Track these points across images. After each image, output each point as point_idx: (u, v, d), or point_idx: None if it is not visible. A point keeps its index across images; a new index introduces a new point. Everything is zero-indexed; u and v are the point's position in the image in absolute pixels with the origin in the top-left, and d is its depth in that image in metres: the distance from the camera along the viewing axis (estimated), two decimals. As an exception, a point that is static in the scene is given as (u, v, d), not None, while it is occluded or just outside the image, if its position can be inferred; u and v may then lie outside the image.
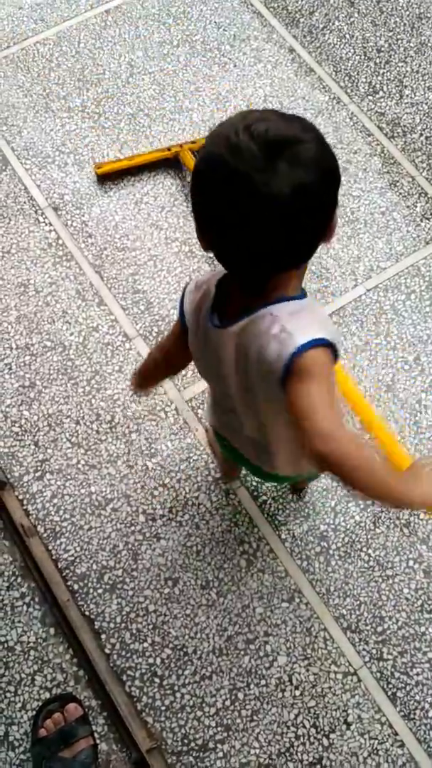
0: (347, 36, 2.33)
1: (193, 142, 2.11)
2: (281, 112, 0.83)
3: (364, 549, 1.69)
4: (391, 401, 1.83)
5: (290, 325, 0.87)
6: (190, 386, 1.84)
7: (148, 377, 1.36)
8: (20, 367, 1.87)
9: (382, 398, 1.84)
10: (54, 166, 2.12)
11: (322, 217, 0.83)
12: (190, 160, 2.05)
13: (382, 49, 2.31)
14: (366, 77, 2.27)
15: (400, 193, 2.10)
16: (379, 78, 2.27)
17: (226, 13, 2.35)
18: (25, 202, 2.07)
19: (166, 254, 2.01)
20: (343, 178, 2.07)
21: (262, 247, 0.82)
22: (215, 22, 2.34)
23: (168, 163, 2.10)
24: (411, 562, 1.67)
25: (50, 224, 2.04)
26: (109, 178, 2.10)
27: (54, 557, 1.66)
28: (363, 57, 2.30)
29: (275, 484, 1.71)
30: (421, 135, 2.19)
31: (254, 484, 1.74)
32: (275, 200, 0.77)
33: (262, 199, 0.77)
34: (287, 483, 1.69)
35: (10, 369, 1.87)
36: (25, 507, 1.71)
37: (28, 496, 1.72)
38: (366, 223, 2.05)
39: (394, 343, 1.91)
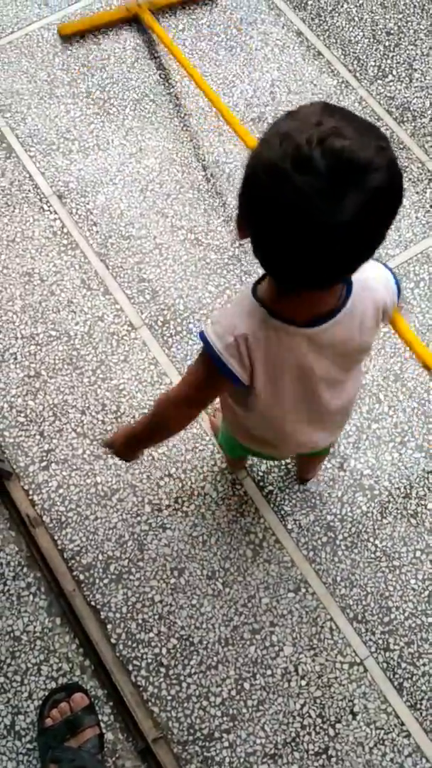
0: (356, 19, 2.29)
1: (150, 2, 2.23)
2: (357, 119, 0.77)
3: (371, 539, 1.68)
4: (399, 391, 1.81)
5: (372, 271, 0.98)
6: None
7: (149, 440, 1.25)
8: (25, 356, 1.86)
9: (390, 387, 1.82)
10: (59, 153, 2.10)
11: (379, 241, 0.81)
12: (152, 21, 2.18)
13: (392, 31, 2.27)
14: (375, 61, 2.23)
15: (410, 179, 2.07)
16: (389, 61, 2.23)
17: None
18: (29, 190, 2.05)
19: (171, 242, 1.99)
20: (351, 164, 2.06)
21: (311, 266, 0.80)
22: (221, 5, 2.30)
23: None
24: (418, 553, 1.66)
25: (55, 212, 2.03)
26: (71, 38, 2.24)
27: (60, 547, 1.66)
28: (372, 40, 2.26)
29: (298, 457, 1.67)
30: (431, 120, 2.15)
31: (261, 474, 1.73)
32: (335, 231, 0.74)
33: (321, 227, 0.74)
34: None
35: (15, 359, 1.86)
36: (30, 497, 1.71)
37: (33, 486, 1.72)
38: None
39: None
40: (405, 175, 2.04)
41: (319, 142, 0.72)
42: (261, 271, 0.92)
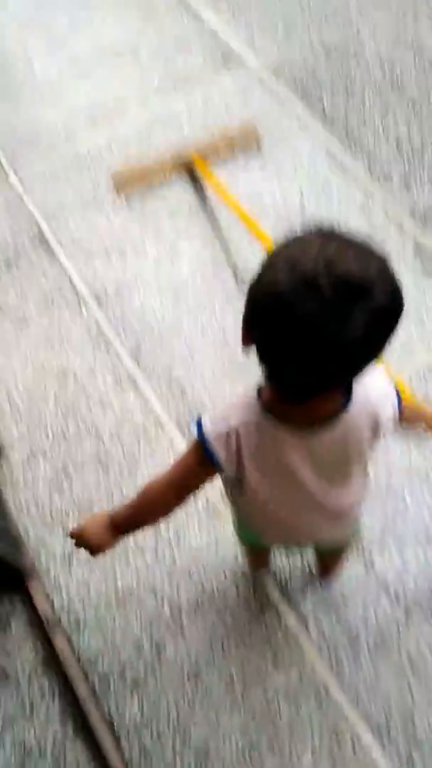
0: (382, 137, 2.42)
1: (201, 154, 2.31)
2: (356, 241, 0.80)
3: (396, 646, 1.60)
4: (426, 491, 1.77)
5: (375, 383, 0.99)
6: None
7: (133, 524, 1.16)
8: (55, 453, 1.90)
9: (415, 486, 1.77)
10: (98, 259, 2.22)
11: (382, 350, 0.84)
12: (206, 171, 2.26)
13: (416, 147, 2.38)
14: (400, 174, 2.33)
15: (437, 283, 2.11)
16: (413, 175, 2.32)
17: (265, 110, 2.47)
18: (69, 293, 2.16)
19: (201, 343, 2.05)
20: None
21: (319, 377, 0.83)
22: (255, 118, 2.46)
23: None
24: (449, 670, 1.57)
25: (92, 314, 2.12)
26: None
27: (76, 651, 1.62)
28: (397, 156, 2.37)
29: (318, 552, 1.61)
30: (457, 227, 2.21)
31: (283, 575, 1.68)
32: (342, 348, 0.78)
33: (330, 344, 0.77)
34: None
35: (45, 455, 1.90)
36: (50, 597, 1.69)
37: (54, 586, 1.70)
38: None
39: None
40: (429, 279, 2.09)
41: (325, 268, 0.75)
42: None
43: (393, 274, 0.80)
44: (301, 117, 2.47)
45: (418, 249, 2.17)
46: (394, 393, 1.04)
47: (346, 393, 0.96)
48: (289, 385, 0.88)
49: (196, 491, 1.09)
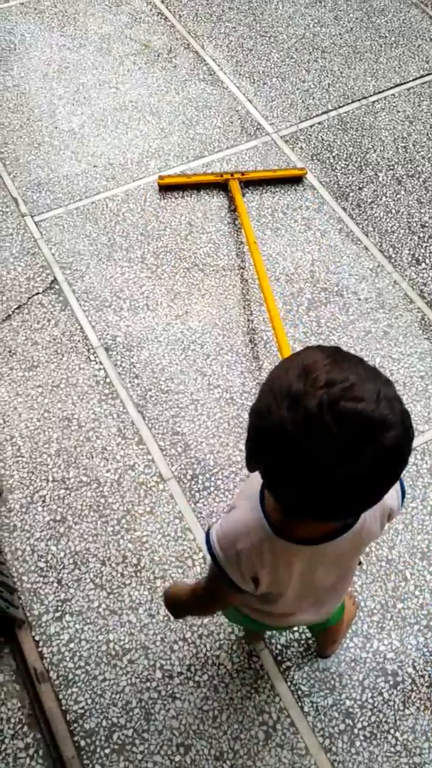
0: (393, 211, 2.51)
1: (242, 173, 2.51)
2: (364, 370, 0.75)
3: (392, 731, 1.58)
4: (426, 570, 1.78)
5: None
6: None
7: (188, 610, 1.29)
8: (54, 500, 1.89)
9: (417, 565, 1.78)
10: (110, 309, 2.25)
11: (389, 487, 0.79)
12: (237, 191, 2.46)
13: (427, 224, 2.47)
14: (410, 249, 2.41)
15: (440, 359, 2.16)
16: (422, 251, 2.40)
17: (281, 183, 2.56)
18: (79, 341, 2.19)
19: (207, 399, 2.07)
20: (383, 342, 2.16)
21: (323, 509, 0.79)
22: (271, 191, 2.54)
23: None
24: (442, 754, 1.55)
25: (100, 363, 2.14)
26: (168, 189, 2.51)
27: (64, 708, 1.59)
28: (408, 231, 2.45)
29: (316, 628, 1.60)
30: (462, 305, 2.28)
31: (279, 647, 1.67)
32: (348, 485, 0.74)
33: (334, 481, 0.73)
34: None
35: (44, 502, 1.88)
36: (40, 649, 1.66)
37: (44, 637, 1.67)
38: (405, 386, 2.09)
39: (430, 507, 1.88)
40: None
41: (331, 407, 0.70)
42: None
43: (404, 408, 0.76)
44: (315, 187, 2.56)
45: (425, 324, 2.23)
46: (399, 482, 1.01)
47: None
48: (294, 511, 0.83)
49: (226, 601, 1.14)
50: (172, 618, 1.34)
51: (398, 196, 2.54)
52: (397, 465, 0.76)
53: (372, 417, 0.71)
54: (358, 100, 2.82)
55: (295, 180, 2.57)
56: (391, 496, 1.00)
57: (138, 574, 1.77)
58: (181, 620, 1.68)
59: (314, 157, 2.65)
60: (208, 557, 1.02)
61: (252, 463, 0.82)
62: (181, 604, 1.23)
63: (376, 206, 2.52)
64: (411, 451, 0.77)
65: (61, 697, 1.60)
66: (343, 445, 0.71)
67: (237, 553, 0.96)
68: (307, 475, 0.73)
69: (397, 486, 1.01)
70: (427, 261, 2.38)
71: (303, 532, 0.91)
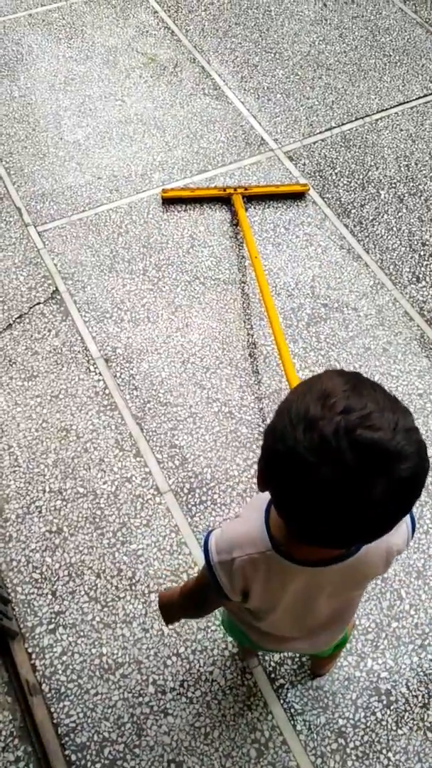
0: (395, 228, 2.52)
1: (245, 188, 2.53)
2: (383, 397, 0.74)
3: (384, 751, 1.57)
4: (422, 589, 1.77)
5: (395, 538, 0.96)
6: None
7: (180, 613, 1.26)
8: (50, 511, 1.89)
9: (412, 584, 1.78)
10: (111, 321, 2.26)
11: (402, 516, 0.78)
12: (240, 205, 2.47)
13: (427, 243, 2.48)
14: (410, 267, 2.42)
15: (439, 377, 2.17)
16: (423, 269, 2.42)
17: (283, 199, 2.58)
18: (79, 351, 2.19)
19: (205, 413, 2.07)
20: (382, 359, 2.17)
21: (333, 536, 0.78)
22: (273, 206, 2.56)
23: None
24: (435, 775, 1.54)
25: (100, 374, 2.14)
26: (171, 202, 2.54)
27: (55, 721, 1.58)
28: (408, 248, 2.47)
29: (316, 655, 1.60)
30: (461, 323, 2.29)
31: (273, 664, 1.66)
32: (362, 511, 0.73)
33: (347, 509, 0.72)
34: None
35: (40, 512, 1.88)
36: (32, 661, 1.65)
37: (37, 649, 1.67)
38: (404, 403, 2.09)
39: (427, 527, 1.88)
40: (434, 374, 2.14)
41: (347, 434, 0.69)
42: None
43: (421, 438, 0.75)
44: (317, 203, 2.57)
45: (424, 341, 2.23)
46: (410, 519, 0.99)
47: None
48: (300, 534, 0.82)
49: (211, 605, 1.13)
50: (164, 624, 1.30)
51: (399, 213, 2.56)
52: (411, 497, 0.75)
53: (388, 447, 0.70)
54: (362, 118, 2.84)
55: (298, 196, 2.58)
56: (399, 533, 0.97)
57: (133, 587, 1.76)
58: (174, 630, 1.68)
59: (317, 174, 2.66)
60: (203, 558, 1.01)
61: (263, 483, 0.82)
62: (170, 604, 1.21)
63: (377, 224, 2.53)
64: (425, 483, 0.76)
65: (53, 710, 1.59)
66: (356, 474, 0.70)
67: (232, 560, 0.95)
68: (317, 500, 0.72)
69: (407, 521, 0.98)
70: (428, 279, 2.39)
71: (303, 554, 0.91)
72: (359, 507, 0.72)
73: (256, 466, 1.95)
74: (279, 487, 0.78)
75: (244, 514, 1.01)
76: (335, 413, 0.70)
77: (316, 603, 1.03)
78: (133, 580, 1.77)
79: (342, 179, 2.65)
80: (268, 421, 2.04)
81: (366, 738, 1.58)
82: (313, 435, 0.70)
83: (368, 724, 1.59)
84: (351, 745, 1.57)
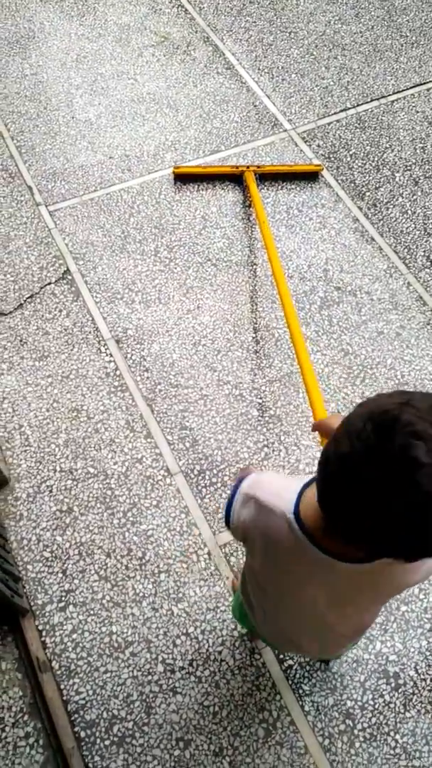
0: (409, 212, 2.49)
1: (258, 166, 2.51)
2: None
3: (392, 733, 1.58)
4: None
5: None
6: (226, 531, 1.82)
7: None
8: (61, 490, 1.89)
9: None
10: (122, 301, 2.25)
11: None
12: (252, 181, 2.45)
13: (441, 226, 2.46)
14: (424, 251, 2.39)
15: (451, 362, 2.15)
16: (437, 252, 2.39)
17: (296, 180, 2.55)
18: (90, 332, 2.18)
19: (216, 395, 2.07)
20: (395, 343, 2.15)
21: (371, 541, 0.78)
22: (286, 188, 2.53)
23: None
24: (442, 758, 1.55)
25: (111, 355, 2.14)
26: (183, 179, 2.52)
27: (65, 698, 1.59)
28: (423, 232, 2.44)
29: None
30: None
31: (281, 645, 1.67)
32: (404, 526, 0.72)
33: (393, 516, 0.72)
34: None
35: (51, 492, 1.89)
36: (43, 638, 1.66)
37: (48, 627, 1.68)
38: (415, 389, 2.09)
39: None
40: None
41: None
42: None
43: None
44: (331, 185, 2.54)
45: (436, 326, 2.22)
46: None
47: None
48: (348, 535, 0.81)
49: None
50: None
51: (414, 197, 2.53)
52: None
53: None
54: (377, 99, 2.80)
55: (311, 176, 2.56)
56: (419, 571, 0.94)
57: (143, 567, 1.77)
58: (183, 610, 1.68)
59: (331, 155, 2.63)
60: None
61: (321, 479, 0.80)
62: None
63: (392, 206, 2.50)
64: None
65: (62, 687, 1.60)
66: (417, 497, 0.70)
67: (255, 518, 0.95)
68: (360, 503, 0.73)
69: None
70: (442, 263, 2.37)
71: (332, 546, 0.88)
72: (404, 523, 0.72)
73: (266, 449, 1.95)
74: (326, 486, 0.78)
75: (283, 478, 1.00)
76: (421, 416, 0.72)
77: (305, 589, 0.99)
78: (143, 560, 1.78)
79: (356, 161, 2.62)
80: (279, 403, 2.04)
81: (374, 720, 1.59)
82: (391, 439, 0.71)
83: (376, 706, 1.60)
84: (359, 726, 1.58)
